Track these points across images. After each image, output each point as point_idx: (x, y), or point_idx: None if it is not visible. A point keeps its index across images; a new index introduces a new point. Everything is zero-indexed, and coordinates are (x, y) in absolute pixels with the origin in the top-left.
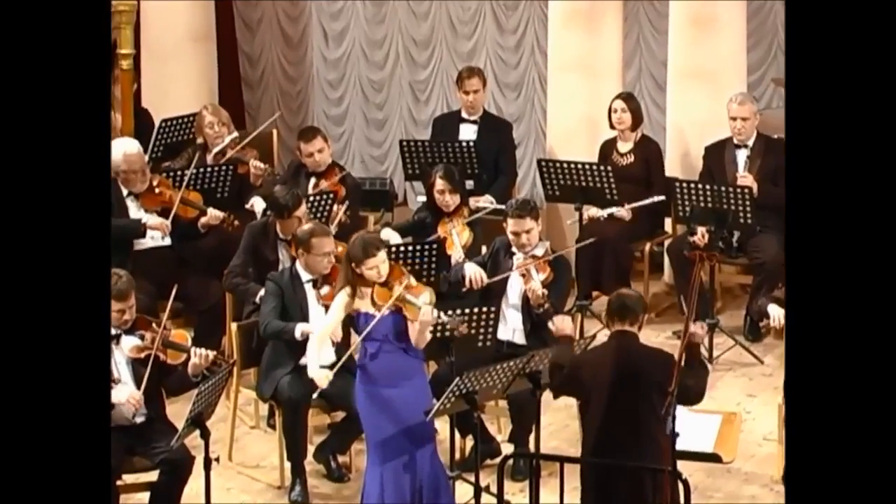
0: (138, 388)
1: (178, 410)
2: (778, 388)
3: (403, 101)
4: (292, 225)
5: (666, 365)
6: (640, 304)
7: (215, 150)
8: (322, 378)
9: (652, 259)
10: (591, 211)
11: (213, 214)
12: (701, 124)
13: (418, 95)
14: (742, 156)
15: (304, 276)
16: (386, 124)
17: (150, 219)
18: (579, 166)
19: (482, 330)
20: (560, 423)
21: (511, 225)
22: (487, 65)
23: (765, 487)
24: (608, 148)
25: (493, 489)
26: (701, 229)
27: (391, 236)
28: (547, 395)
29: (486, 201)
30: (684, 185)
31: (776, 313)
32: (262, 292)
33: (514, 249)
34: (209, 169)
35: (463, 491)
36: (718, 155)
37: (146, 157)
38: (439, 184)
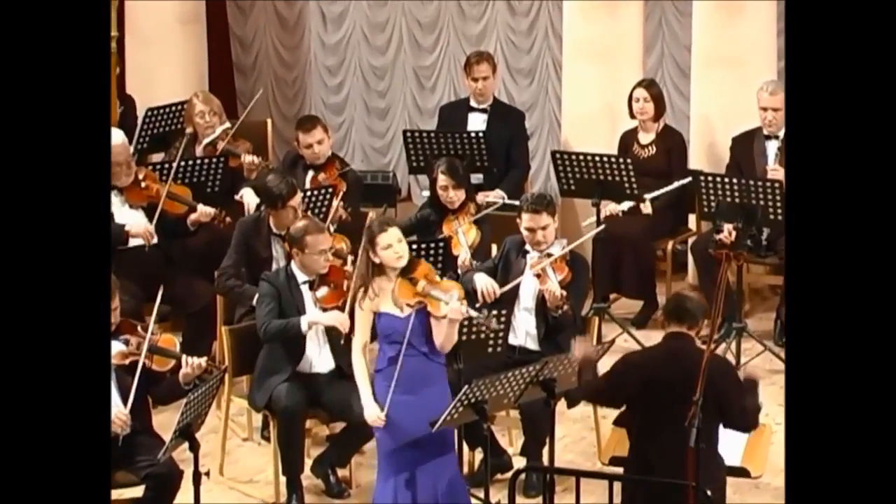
0: (124, 398)
1: (165, 421)
2: None
3: (407, 89)
4: (287, 217)
5: (726, 373)
6: (701, 310)
7: (205, 141)
8: (377, 418)
9: (675, 258)
10: (610, 207)
11: (203, 211)
12: (727, 113)
13: (423, 82)
14: (773, 147)
15: (300, 276)
16: (388, 113)
17: (134, 225)
18: (597, 159)
19: (493, 334)
20: (576, 435)
21: (526, 220)
22: (498, 49)
23: None
24: (628, 139)
25: None
26: (728, 226)
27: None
28: (562, 405)
29: (496, 196)
30: (710, 178)
31: None
32: (257, 295)
33: (527, 248)
34: (199, 161)
35: None
36: (747, 146)
37: (131, 149)
38: (442, 179)
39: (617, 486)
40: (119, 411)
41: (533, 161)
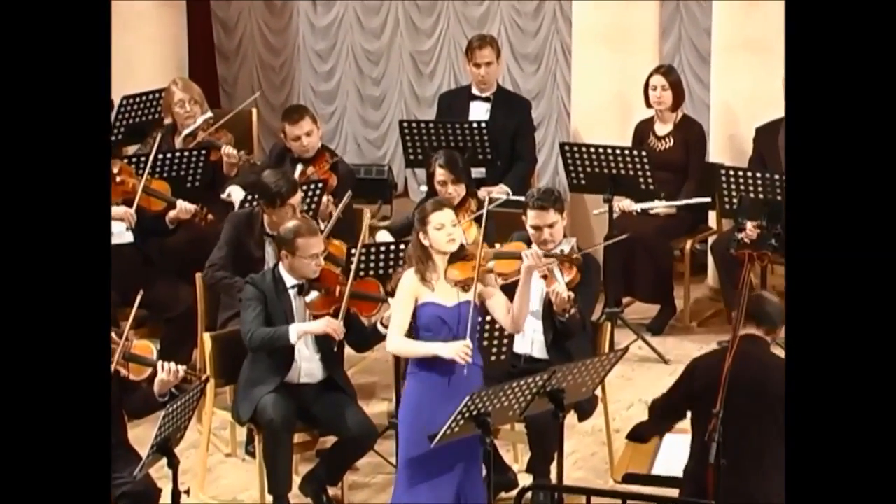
0: None
1: (141, 435)
2: None
3: (404, 76)
4: (284, 216)
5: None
6: (781, 316)
7: (185, 132)
8: (464, 347)
9: (694, 259)
10: (624, 203)
11: (183, 207)
12: (750, 102)
13: (421, 68)
14: None
15: (289, 280)
16: (384, 102)
17: (114, 210)
18: (609, 151)
19: (495, 341)
20: (586, 451)
21: (531, 217)
22: (502, 32)
23: None
24: (644, 130)
25: None
26: (750, 224)
27: (385, 239)
28: (571, 418)
29: (500, 192)
30: (731, 172)
31: None
32: None
33: (534, 246)
34: (178, 154)
35: None
36: (771, 138)
37: None
38: (439, 173)
39: None
40: None
41: (540, 154)
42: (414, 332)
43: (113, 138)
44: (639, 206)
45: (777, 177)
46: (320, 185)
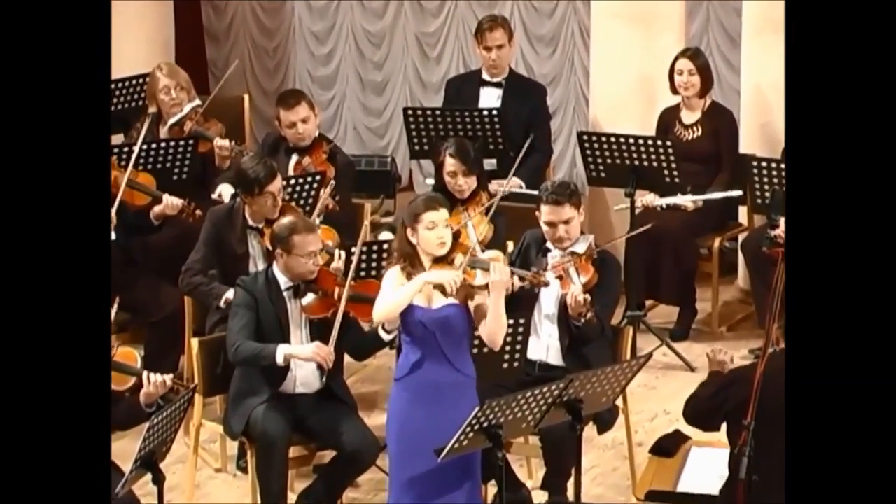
0: None
1: (124, 448)
2: None
3: (409, 59)
4: (265, 206)
5: None
6: None
7: (171, 121)
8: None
9: (723, 258)
10: (647, 198)
11: (169, 202)
12: (784, 88)
13: (427, 51)
14: None
15: (284, 282)
16: (387, 88)
17: None
18: (631, 141)
19: (508, 347)
20: (606, 466)
21: (546, 213)
22: (515, 13)
23: None
24: (669, 118)
25: None
26: (784, 220)
27: (388, 238)
28: (590, 431)
29: (513, 185)
30: (763, 164)
31: None
32: (228, 294)
33: (549, 245)
34: (164, 145)
35: None
36: None
37: None
38: (450, 163)
39: None
40: None
41: (556, 143)
42: (398, 336)
43: None
44: (663, 201)
45: None
46: (317, 176)
